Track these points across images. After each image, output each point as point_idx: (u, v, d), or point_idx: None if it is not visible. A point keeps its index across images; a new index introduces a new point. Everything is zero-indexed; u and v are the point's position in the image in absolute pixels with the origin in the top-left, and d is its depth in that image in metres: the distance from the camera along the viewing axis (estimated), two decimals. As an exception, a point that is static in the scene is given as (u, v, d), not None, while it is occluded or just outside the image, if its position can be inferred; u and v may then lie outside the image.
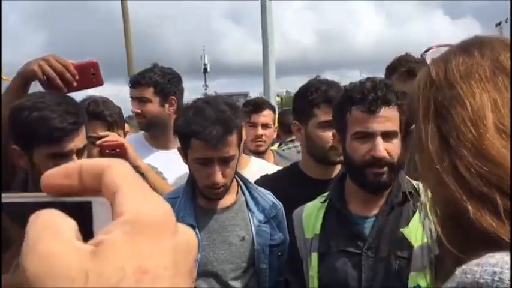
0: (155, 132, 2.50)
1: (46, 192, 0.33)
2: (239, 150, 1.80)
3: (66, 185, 0.33)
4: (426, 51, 0.87)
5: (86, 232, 0.31)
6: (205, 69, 38.91)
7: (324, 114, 1.97)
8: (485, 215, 0.67)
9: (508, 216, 0.66)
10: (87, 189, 0.33)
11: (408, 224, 1.56)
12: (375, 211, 1.63)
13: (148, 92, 2.43)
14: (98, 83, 1.77)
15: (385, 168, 1.56)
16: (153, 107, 2.44)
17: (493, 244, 0.66)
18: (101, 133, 1.98)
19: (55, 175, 0.33)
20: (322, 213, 1.69)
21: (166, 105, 2.47)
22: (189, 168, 1.81)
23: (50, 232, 0.29)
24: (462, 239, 0.71)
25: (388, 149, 1.55)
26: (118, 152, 1.94)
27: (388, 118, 1.54)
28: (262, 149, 2.99)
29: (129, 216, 0.29)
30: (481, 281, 0.62)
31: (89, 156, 1.99)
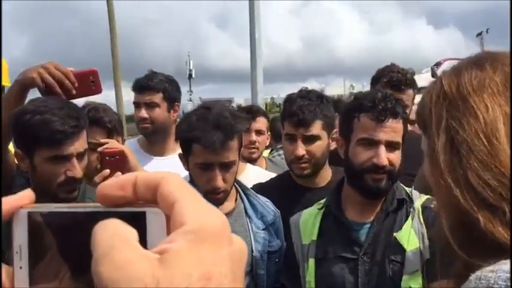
0: (156, 139, 2.50)
1: (101, 203, 0.35)
2: (239, 156, 1.83)
3: (120, 196, 0.34)
4: (436, 65, 0.90)
5: (141, 240, 0.32)
6: (190, 75, 38.83)
7: (287, 127, 2.03)
8: (497, 226, 0.70)
9: None
10: (140, 200, 0.34)
11: (401, 228, 1.62)
12: (371, 217, 1.68)
13: (157, 97, 2.43)
14: (97, 90, 1.78)
15: (385, 176, 1.63)
16: (161, 112, 2.45)
17: (504, 251, 0.69)
18: (102, 140, 1.98)
19: (110, 186, 0.35)
20: (319, 220, 1.74)
21: (172, 111, 2.49)
22: (190, 174, 1.83)
23: (120, 240, 0.31)
24: (473, 246, 0.73)
25: (389, 158, 1.62)
26: (118, 158, 1.94)
27: (394, 129, 1.61)
28: (255, 156, 3.01)
29: (192, 226, 0.31)
30: (495, 286, 0.65)
31: (89, 161, 2.00)
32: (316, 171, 2.07)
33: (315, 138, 2.00)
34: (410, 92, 2.75)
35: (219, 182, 1.74)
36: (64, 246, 0.36)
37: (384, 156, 1.60)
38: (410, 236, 1.59)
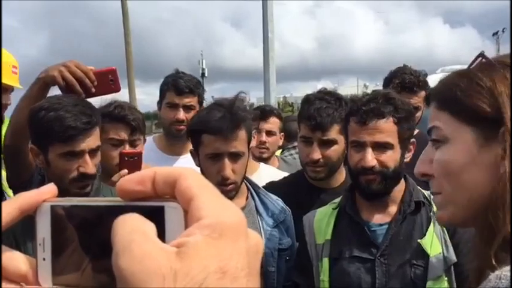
0: (181, 140, 2.50)
1: (121, 197, 0.36)
2: (248, 151, 1.85)
3: (139, 191, 0.35)
4: (472, 65, 0.90)
5: (159, 234, 0.33)
6: (202, 74, 38.96)
7: (303, 130, 2.02)
8: None
9: None
10: (159, 194, 0.35)
11: (423, 232, 1.61)
12: (387, 219, 1.67)
13: (195, 100, 2.47)
14: (116, 89, 1.83)
15: (376, 176, 1.62)
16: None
17: None
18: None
19: (130, 181, 0.36)
20: (333, 219, 1.74)
21: None
22: (201, 169, 1.86)
23: (139, 235, 0.32)
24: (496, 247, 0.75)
25: (380, 159, 1.61)
26: (137, 160, 1.99)
27: (380, 130, 1.60)
28: (265, 155, 3.03)
29: (209, 220, 0.32)
30: None
31: (110, 158, 2.04)
32: (330, 175, 2.06)
33: (331, 142, 1.98)
34: (422, 93, 2.74)
35: (228, 172, 1.76)
36: (85, 239, 0.38)
37: (370, 158, 1.60)
38: (433, 241, 1.58)
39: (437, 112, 0.89)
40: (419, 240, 1.60)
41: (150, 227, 0.33)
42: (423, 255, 1.57)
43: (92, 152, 1.64)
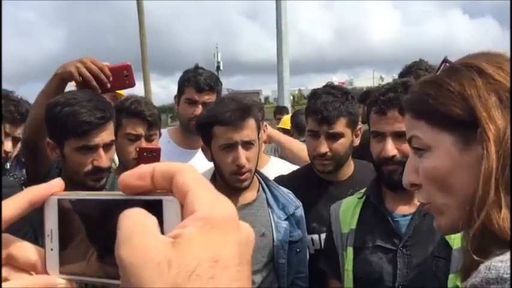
0: (195, 134, 2.55)
1: (122, 191, 0.39)
2: (258, 141, 1.90)
3: (140, 185, 0.38)
4: (438, 70, 0.91)
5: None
6: (218, 67, 38.95)
7: (311, 124, 2.03)
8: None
9: None
10: (157, 189, 0.38)
11: None
12: (412, 210, 1.67)
13: (213, 98, 2.49)
14: (131, 84, 1.88)
15: (398, 167, 1.62)
16: None
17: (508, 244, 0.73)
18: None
19: (131, 176, 0.38)
20: (359, 209, 1.75)
21: None
22: (214, 161, 1.90)
23: (140, 228, 0.34)
24: (483, 241, 0.77)
25: (401, 149, 1.62)
26: (155, 155, 2.04)
27: (399, 119, 1.59)
28: None
29: (202, 213, 0.34)
30: (505, 276, 0.68)
31: (127, 152, 2.09)
32: (338, 168, 2.08)
33: (338, 135, 1.99)
34: None
35: (243, 160, 1.81)
36: (90, 230, 0.40)
37: (390, 148, 1.61)
38: (457, 235, 1.59)
39: (414, 122, 0.91)
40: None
41: (152, 221, 0.35)
42: (446, 247, 1.56)
43: (106, 147, 1.69)
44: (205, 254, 0.33)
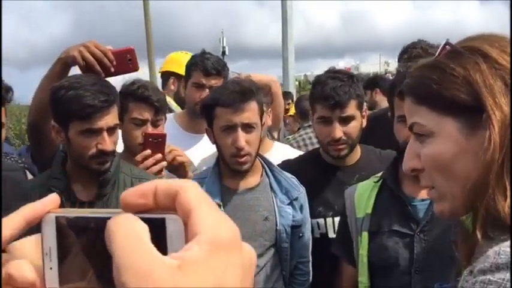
0: (201, 119, 2.54)
1: (124, 210, 0.38)
2: (261, 126, 1.90)
3: (142, 204, 0.37)
4: (440, 54, 0.89)
5: (160, 245, 0.35)
6: (223, 52, 38.78)
7: (321, 110, 2.02)
8: None
9: None
10: (160, 207, 0.37)
11: None
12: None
13: (220, 82, 2.47)
14: (134, 68, 1.88)
15: None
16: None
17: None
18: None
19: (132, 194, 0.37)
20: (375, 193, 1.72)
21: None
22: (216, 144, 1.92)
23: (135, 242, 0.34)
24: (489, 227, 0.78)
25: None
26: (160, 141, 2.05)
27: None
28: None
29: (206, 236, 0.34)
30: None
31: (132, 137, 2.10)
32: (351, 151, 2.08)
33: (350, 118, 2.00)
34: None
35: (242, 142, 1.82)
36: (90, 249, 0.39)
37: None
38: None
39: (415, 107, 0.89)
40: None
41: (144, 229, 0.35)
42: None
43: (110, 130, 1.70)
44: (210, 280, 0.33)
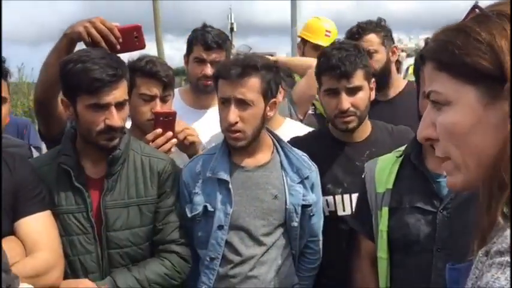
0: (207, 94, 2.49)
1: None
2: (265, 104, 1.84)
3: None
4: (466, 17, 0.84)
5: None
6: (231, 29, 38.45)
7: (327, 82, 1.98)
8: None
9: None
10: None
11: None
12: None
13: (222, 56, 2.43)
14: (141, 46, 1.85)
15: None
16: None
17: None
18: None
19: None
20: (396, 168, 1.67)
21: None
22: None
23: None
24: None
25: None
26: (171, 119, 2.02)
27: None
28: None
29: None
30: None
31: (141, 112, 2.08)
32: (360, 124, 2.04)
33: (358, 89, 1.97)
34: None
35: (232, 117, 1.78)
36: None
37: None
38: None
39: (435, 73, 0.83)
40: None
41: None
42: None
43: (119, 105, 1.67)
44: None
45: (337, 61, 1.92)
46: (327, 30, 3.57)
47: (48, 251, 1.55)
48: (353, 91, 1.96)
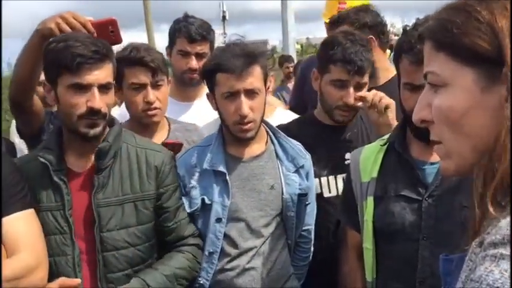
0: (194, 87, 2.45)
1: None
2: (265, 89, 1.82)
3: None
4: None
5: None
6: (223, 17, 38.24)
7: (338, 73, 1.96)
8: None
9: None
10: None
11: None
12: (439, 158, 1.58)
13: (207, 47, 2.38)
14: (117, 40, 1.77)
15: None
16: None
17: None
18: None
19: None
20: (381, 156, 1.65)
21: None
22: (218, 111, 1.84)
23: None
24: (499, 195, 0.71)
25: None
26: (176, 149, 1.97)
27: None
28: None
29: None
30: None
31: (134, 103, 2.02)
32: (354, 117, 2.06)
33: (364, 85, 1.98)
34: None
35: (246, 109, 1.74)
36: None
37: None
38: None
39: (433, 54, 0.80)
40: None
41: None
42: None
43: (102, 88, 1.59)
44: None
45: (354, 56, 1.90)
46: (340, 3, 3.25)
47: (28, 251, 1.48)
48: (361, 87, 1.96)
